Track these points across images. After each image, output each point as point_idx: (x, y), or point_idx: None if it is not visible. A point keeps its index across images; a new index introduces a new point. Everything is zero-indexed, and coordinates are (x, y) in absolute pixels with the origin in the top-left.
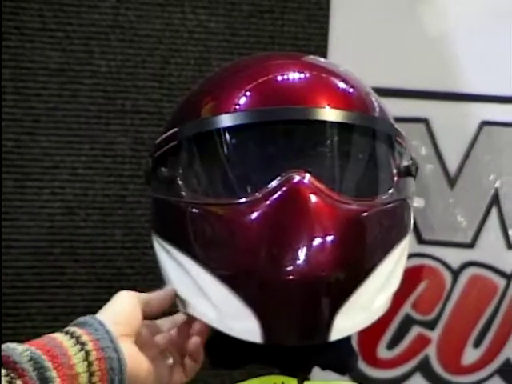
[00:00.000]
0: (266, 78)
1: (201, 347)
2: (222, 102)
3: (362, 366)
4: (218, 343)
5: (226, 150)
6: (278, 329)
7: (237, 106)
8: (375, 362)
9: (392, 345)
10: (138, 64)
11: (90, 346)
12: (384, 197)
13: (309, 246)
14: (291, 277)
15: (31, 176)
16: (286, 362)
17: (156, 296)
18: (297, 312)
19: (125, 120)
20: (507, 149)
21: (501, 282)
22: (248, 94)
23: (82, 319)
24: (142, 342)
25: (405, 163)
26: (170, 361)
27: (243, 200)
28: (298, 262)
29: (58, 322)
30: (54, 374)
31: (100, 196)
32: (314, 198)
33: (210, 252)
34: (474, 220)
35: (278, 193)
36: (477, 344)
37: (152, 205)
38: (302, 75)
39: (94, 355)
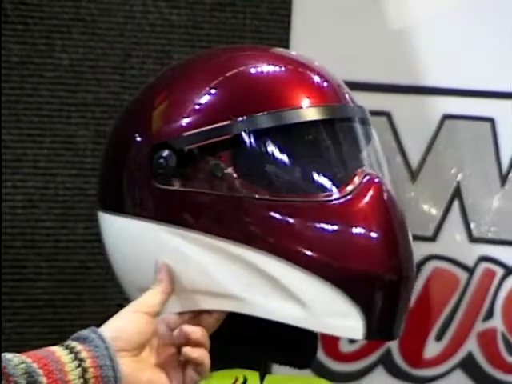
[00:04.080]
0: (312, 75)
1: (208, 358)
2: (311, 95)
3: (324, 359)
4: None
5: (314, 144)
6: (381, 325)
7: (311, 102)
8: (337, 356)
9: None
10: (99, 57)
11: (88, 363)
12: None
13: (406, 244)
14: (401, 274)
15: None
16: (245, 356)
17: (160, 300)
18: (397, 308)
19: (86, 113)
20: (469, 142)
21: (463, 276)
22: (312, 90)
23: (84, 333)
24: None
25: None
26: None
27: (337, 196)
28: (403, 259)
29: (19, 316)
30: None
31: (61, 189)
32: (392, 197)
33: (303, 251)
34: (435, 213)
35: (370, 192)
36: (439, 337)
37: (172, 197)
38: (323, 71)
39: (91, 373)
